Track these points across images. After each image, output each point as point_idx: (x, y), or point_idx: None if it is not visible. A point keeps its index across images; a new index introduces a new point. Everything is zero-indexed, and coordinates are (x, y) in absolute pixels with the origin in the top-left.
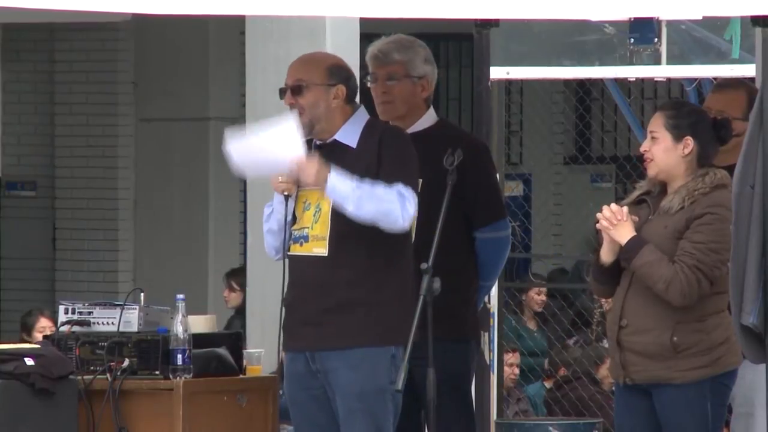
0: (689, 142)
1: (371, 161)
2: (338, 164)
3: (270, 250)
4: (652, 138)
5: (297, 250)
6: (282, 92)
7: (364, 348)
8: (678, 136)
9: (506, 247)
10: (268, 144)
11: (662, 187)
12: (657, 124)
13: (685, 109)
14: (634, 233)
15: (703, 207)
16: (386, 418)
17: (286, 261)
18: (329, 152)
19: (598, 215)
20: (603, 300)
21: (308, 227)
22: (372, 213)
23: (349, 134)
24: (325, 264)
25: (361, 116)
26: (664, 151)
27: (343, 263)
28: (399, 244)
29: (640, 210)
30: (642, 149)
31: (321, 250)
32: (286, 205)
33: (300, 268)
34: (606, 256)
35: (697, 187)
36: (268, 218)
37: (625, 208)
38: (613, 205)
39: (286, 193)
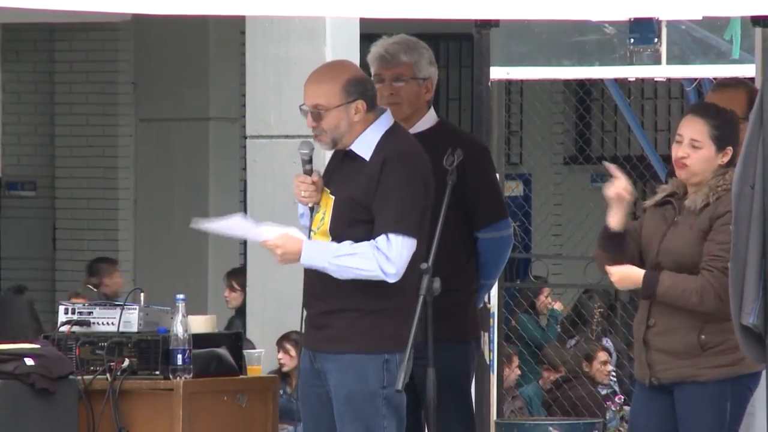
0: (729, 152)
1: (371, 182)
2: (348, 175)
3: None
4: (693, 146)
5: None
6: (303, 110)
7: (354, 354)
8: (721, 147)
9: (508, 246)
10: (232, 231)
11: (686, 189)
12: (699, 132)
13: (725, 117)
14: (641, 271)
15: (725, 205)
16: (377, 422)
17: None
18: (341, 161)
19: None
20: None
21: (314, 231)
22: (354, 277)
23: (365, 146)
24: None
25: (383, 123)
26: (706, 161)
27: None
28: None
29: (666, 212)
30: (680, 155)
31: None
32: (311, 216)
33: (308, 272)
34: (614, 222)
35: (719, 183)
36: (301, 217)
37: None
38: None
39: (310, 205)
